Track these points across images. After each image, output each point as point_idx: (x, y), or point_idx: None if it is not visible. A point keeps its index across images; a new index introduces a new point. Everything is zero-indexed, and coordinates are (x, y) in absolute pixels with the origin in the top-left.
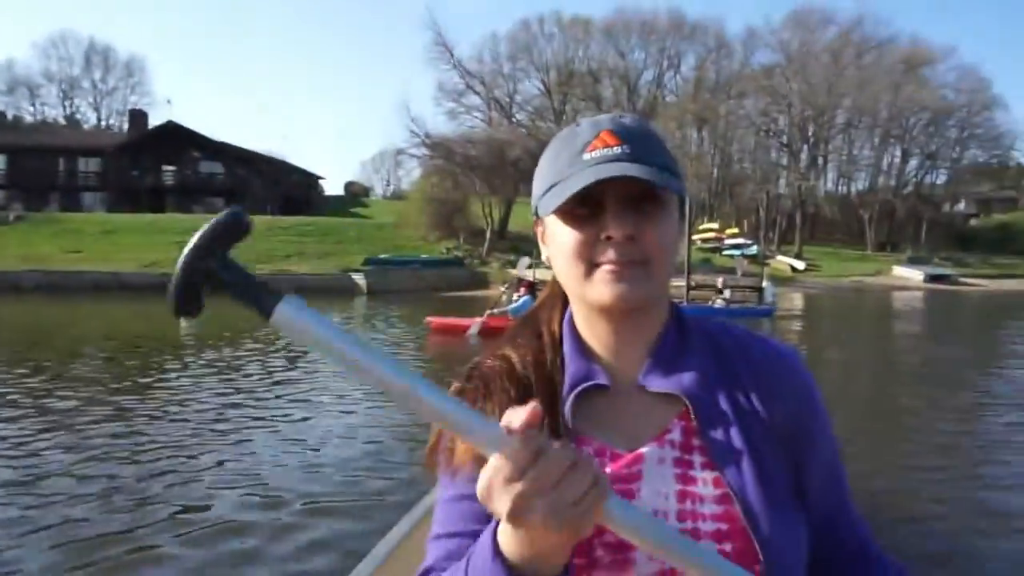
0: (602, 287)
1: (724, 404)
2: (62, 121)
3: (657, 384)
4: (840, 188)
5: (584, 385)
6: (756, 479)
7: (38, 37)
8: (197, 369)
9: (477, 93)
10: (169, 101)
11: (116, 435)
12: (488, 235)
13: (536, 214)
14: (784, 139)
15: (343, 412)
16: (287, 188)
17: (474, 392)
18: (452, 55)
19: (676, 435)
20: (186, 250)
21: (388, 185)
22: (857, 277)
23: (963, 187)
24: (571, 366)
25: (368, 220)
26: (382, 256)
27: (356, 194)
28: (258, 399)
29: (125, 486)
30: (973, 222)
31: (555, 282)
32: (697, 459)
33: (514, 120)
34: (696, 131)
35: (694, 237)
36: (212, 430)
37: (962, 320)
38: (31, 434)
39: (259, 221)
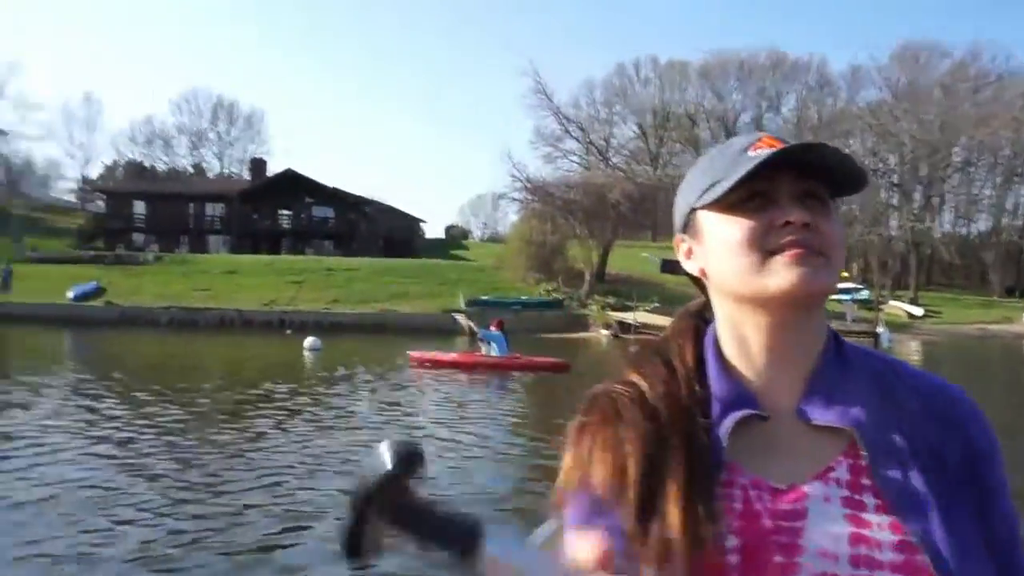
0: (783, 272)
1: (897, 441)
2: (190, 170)
3: (820, 415)
4: (959, 230)
5: (741, 413)
6: (944, 527)
7: (174, 95)
8: (312, 398)
9: (575, 138)
10: (287, 150)
11: (236, 455)
12: (587, 278)
13: (682, 230)
14: (895, 179)
15: (456, 448)
16: (391, 231)
17: (597, 426)
18: (551, 101)
19: (842, 472)
20: (358, 495)
21: (486, 228)
22: (981, 324)
23: None
24: (719, 390)
25: (468, 262)
26: (483, 297)
27: (456, 237)
28: (370, 427)
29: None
30: None
31: (685, 314)
32: (869, 500)
33: (611, 163)
34: None
35: None
36: (320, 457)
37: None
38: (160, 452)
39: (366, 263)
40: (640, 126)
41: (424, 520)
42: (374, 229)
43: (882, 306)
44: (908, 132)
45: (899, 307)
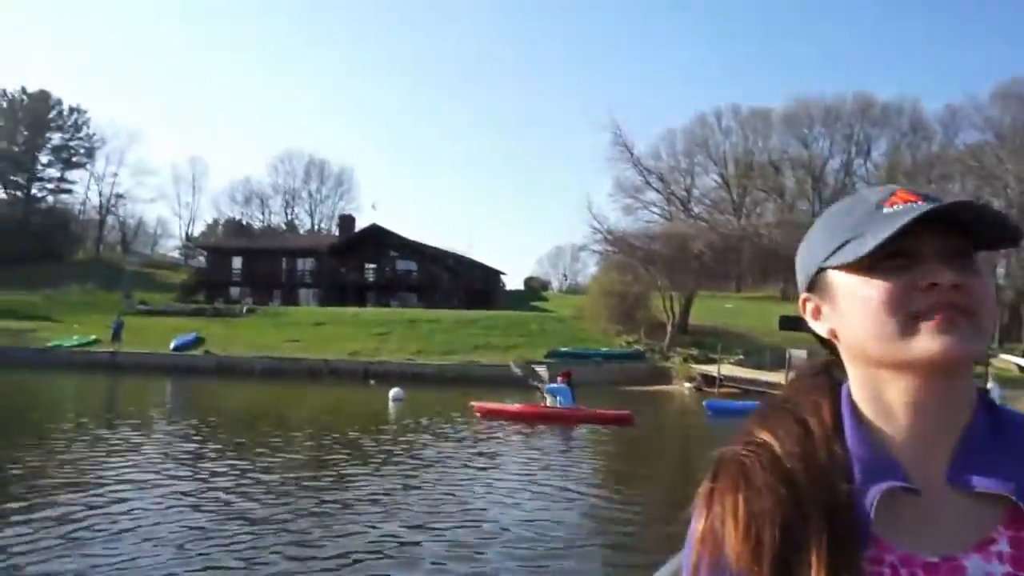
0: (930, 338)
1: None
2: (283, 227)
3: (975, 483)
4: None
5: (889, 484)
6: None
7: (271, 156)
8: (397, 448)
9: (655, 188)
10: (374, 207)
11: (322, 501)
12: (669, 329)
13: (807, 289)
14: None
15: (529, 500)
16: (472, 283)
17: (727, 492)
18: (631, 154)
19: (1003, 546)
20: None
21: (565, 279)
22: None
23: None
24: (861, 457)
25: (549, 313)
26: (564, 349)
27: (535, 288)
28: (444, 484)
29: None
30: None
31: (812, 370)
32: None
33: (692, 213)
34: None
35: None
36: (390, 510)
37: None
38: (243, 495)
39: (448, 315)
40: (722, 175)
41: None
42: (456, 281)
43: (991, 359)
44: (1013, 174)
45: (1010, 360)
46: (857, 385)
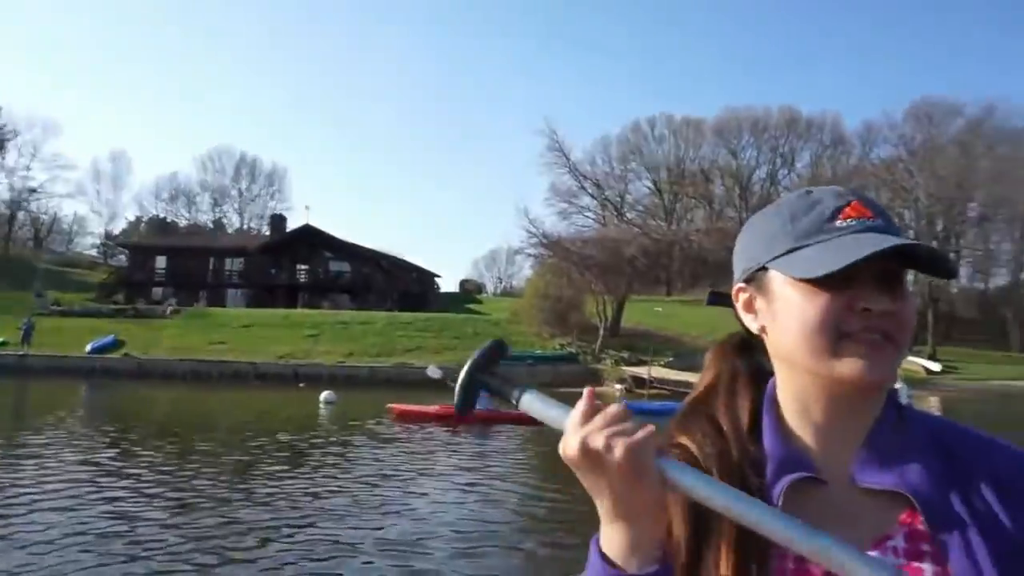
0: (855, 361)
1: (960, 509)
2: (210, 225)
3: (876, 479)
4: (976, 285)
5: (795, 476)
6: None
7: (199, 152)
8: (319, 451)
9: (590, 194)
10: (307, 207)
11: (247, 506)
12: (601, 332)
13: (744, 280)
14: (911, 234)
15: (456, 501)
16: (406, 285)
17: None
18: (567, 159)
19: (899, 541)
20: (467, 367)
21: (500, 282)
22: (1003, 381)
23: None
24: (773, 453)
25: (483, 316)
26: None
27: (470, 291)
28: (373, 485)
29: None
30: None
31: (727, 354)
32: (929, 568)
33: (626, 219)
34: None
35: None
36: (322, 510)
37: None
38: (165, 502)
39: (381, 317)
40: (655, 182)
41: (500, 382)
42: (390, 283)
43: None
44: (923, 188)
45: (917, 363)
46: (781, 383)
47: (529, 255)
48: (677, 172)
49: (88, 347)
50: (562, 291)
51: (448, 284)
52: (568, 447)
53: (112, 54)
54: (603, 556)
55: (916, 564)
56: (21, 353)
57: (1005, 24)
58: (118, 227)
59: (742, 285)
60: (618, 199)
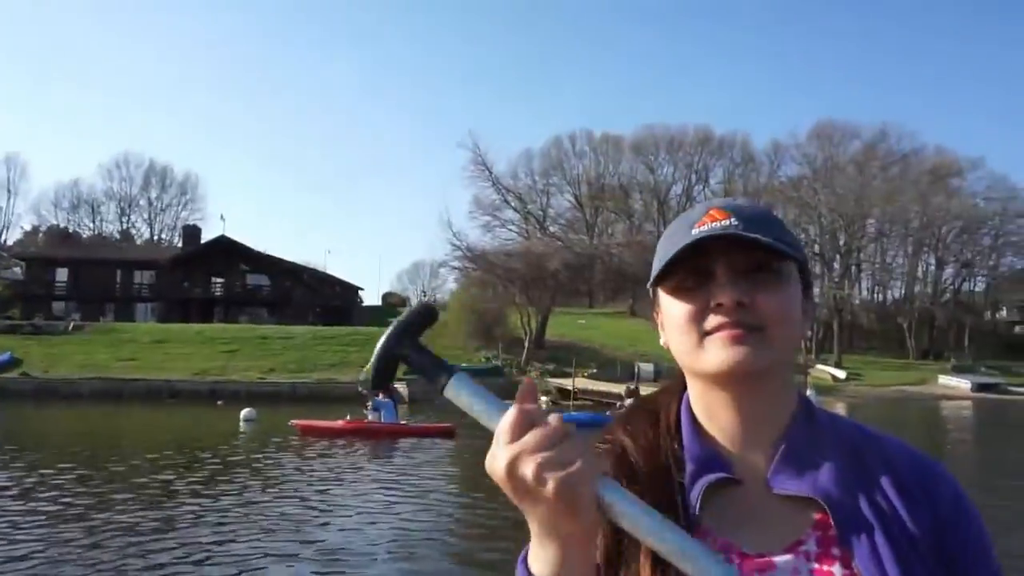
0: (713, 353)
1: (867, 512)
2: (117, 236)
3: (789, 485)
4: (876, 296)
5: (714, 476)
6: None
7: (104, 159)
8: (241, 469)
9: (513, 208)
10: (222, 217)
11: (153, 528)
12: (526, 344)
13: (654, 303)
14: (816, 248)
15: (381, 511)
16: (328, 299)
17: None
18: (491, 173)
19: (811, 546)
20: (385, 335)
21: (424, 295)
22: (900, 386)
23: (1003, 294)
24: (691, 454)
25: None
26: None
27: (394, 304)
28: (293, 503)
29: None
30: (1018, 329)
31: (679, 370)
32: (838, 571)
33: (548, 232)
34: None
35: None
36: (238, 529)
37: (1017, 428)
38: (72, 525)
39: (303, 331)
40: (576, 197)
41: (424, 358)
42: (311, 297)
43: (809, 369)
44: (826, 205)
45: (825, 370)
46: (690, 390)
47: (453, 268)
48: (597, 187)
49: None
50: (487, 304)
51: (371, 297)
52: (494, 466)
53: (3, 45)
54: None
55: (827, 568)
56: None
57: (900, 48)
58: (12, 237)
59: (655, 310)
60: (540, 213)
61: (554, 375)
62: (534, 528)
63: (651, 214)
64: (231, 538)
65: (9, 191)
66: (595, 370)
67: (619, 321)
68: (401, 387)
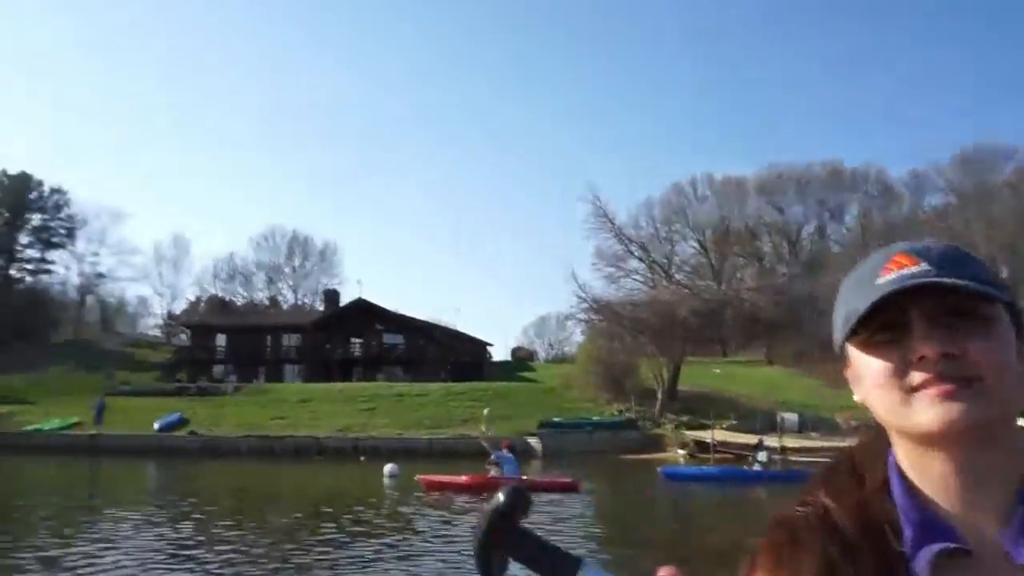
0: (923, 411)
1: None
2: (266, 302)
3: None
4: None
5: (943, 545)
6: None
7: (253, 233)
8: (393, 523)
9: (637, 257)
10: (359, 281)
11: None
12: (659, 396)
13: (841, 356)
14: None
15: None
16: (459, 355)
17: (778, 548)
18: (612, 224)
19: None
20: (477, 530)
21: (551, 348)
22: None
23: None
24: (909, 518)
25: (537, 384)
26: (555, 419)
27: (522, 359)
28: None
29: None
30: None
31: (875, 428)
32: None
33: (674, 280)
34: None
35: None
36: None
37: None
38: None
39: (436, 388)
40: (700, 242)
41: (535, 549)
42: (442, 354)
43: None
44: (980, 233)
45: None
46: (896, 448)
47: (580, 320)
48: (722, 231)
49: (156, 425)
50: (615, 356)
51: (500, 352)
52: None
53: (172, 143)
54: None
55: None
56: (93, 432)
57: None
58: (179, 307)
59: (843, 362)
60: (665, 261)
61: (690, 427)
62: None
63: (782, 255)
64: None
65: (176, 267)
66: (734, 421)
67: (756, 369)
68: (534, 441)
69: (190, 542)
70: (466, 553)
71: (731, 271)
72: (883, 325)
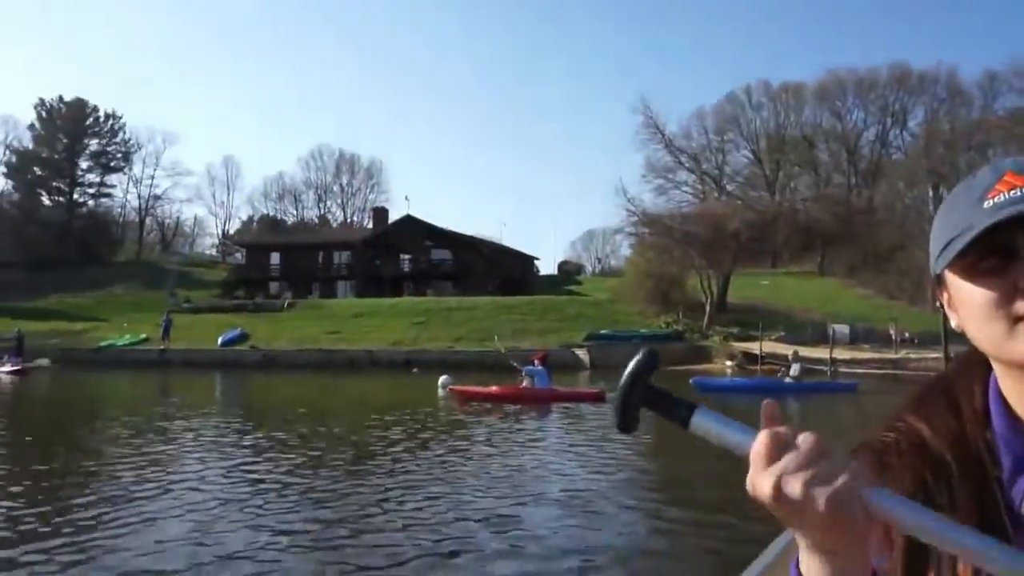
0: None
1: None
2: (316, 220)
3: None
4: None
5: None
6: None
7: (302, 152)
8: (449, 431)
9: (687, 168)
10: (407, 198)
11: (362, 492)
12: (707, 308)
13: (936, 281)
14: None
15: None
16: (506, 270)
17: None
18: (663, 134)
19: None
20: (621, 386)
21: (599, 263)
22: None
23: None
24: (1009, 447)
25: (585, 297)
26: (603, 332)
27: (569, 273)
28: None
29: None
30: None
31: (973, 353)
32: None
33: (725, 192)
34: (933, 190)
35: None
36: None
37: None
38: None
39: (484, 302)
40: (754, 152)
41: (662, 399)
42: (489, 268)
43: None
44: None
45: None
46: (999, 378)
47: (629, 234)
48: (777, 140)
49: (219, 340)
50: (664, 269)
51: (547, 267)
52: (759, 490)
53: (222, 63)
54: None
55: None
56: (162, 348)
57: None
58: (233, 227)
59: (937, 287)
60: (716, 172)
61: (739, 339)
62: (803, 542)
63: (840, 164)
64: (432, 499)
65: (229, 188)
66: (783, 333)
67: (807, 281)
68: (581, 353)
69: (264, 445)
70: (519, 457)
71: (785, 182)
72: (989, 250)
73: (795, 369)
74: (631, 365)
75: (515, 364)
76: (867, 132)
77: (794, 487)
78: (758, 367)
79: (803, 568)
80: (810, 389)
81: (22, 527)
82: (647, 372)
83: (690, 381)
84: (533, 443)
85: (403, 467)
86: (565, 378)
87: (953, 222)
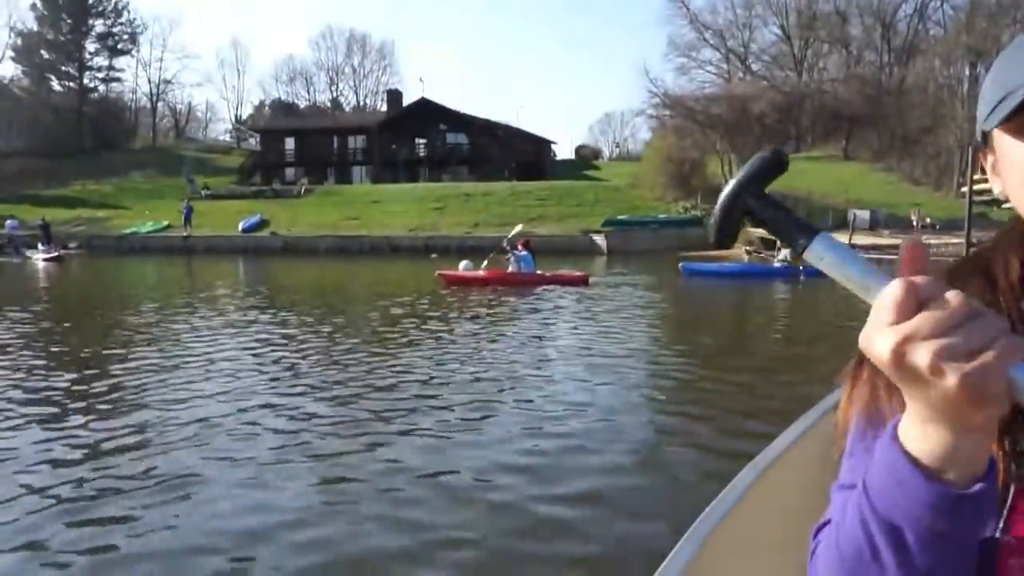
0: None
1: None
2: (328, 104)
3: None
4: None
5: None
6: None
7: (311, 33)
8: (469, 311)
9: (712, 45)
10: (421, 79)
11: (380, 373)
12: None
13: (983, 144)
14: None
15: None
16: (522, 154)
17: None
18: (688, 9)
19: None
20: (728, 187)
21: (616, 147)
22: None
23: None
24: None
25: (603, 182)
26: (621, 217)
27: (586, 157)
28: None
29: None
30: None
31: (1015, 226)
32: None
33: (751, 71)
34: (970, 68)
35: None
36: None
37: None
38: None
39: (502, 187)
40: (783, 28)
41: (779, 212)
42: (506, 153)
43: None
44: None
45: None
46: None
47: (650, 116)
48: (808, 14)
49: (240, 226)
50: (685, 153)
51: (564, 151)
52: (875, 349)
53: None
54: (909, 457)
55: None
56: (185, 235)
57: None
58: (245, 112)
59: (985, 149)
60: (742, 49)
61: (757, 225)
62: (916, 407)
63: (873, 41)
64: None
65: (238, 70)
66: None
67: (830, 165)
68: (599, 239)
69: (290, 327)
70: (537, 332)
71: (814, 61)
72: None
73: (784, 253)
74: (749, 163)
75: (505, 247)
76: (905, 5)
77: (921, 357)
78: (775, 253)
79: (904, 435)
80: (799, 273)
81: (98, 407)
82: (766, 176)
83: (679, 265)
84: (549, 320)
85: (426, 344)
86: (582, 263)
87: (1008, 78)
